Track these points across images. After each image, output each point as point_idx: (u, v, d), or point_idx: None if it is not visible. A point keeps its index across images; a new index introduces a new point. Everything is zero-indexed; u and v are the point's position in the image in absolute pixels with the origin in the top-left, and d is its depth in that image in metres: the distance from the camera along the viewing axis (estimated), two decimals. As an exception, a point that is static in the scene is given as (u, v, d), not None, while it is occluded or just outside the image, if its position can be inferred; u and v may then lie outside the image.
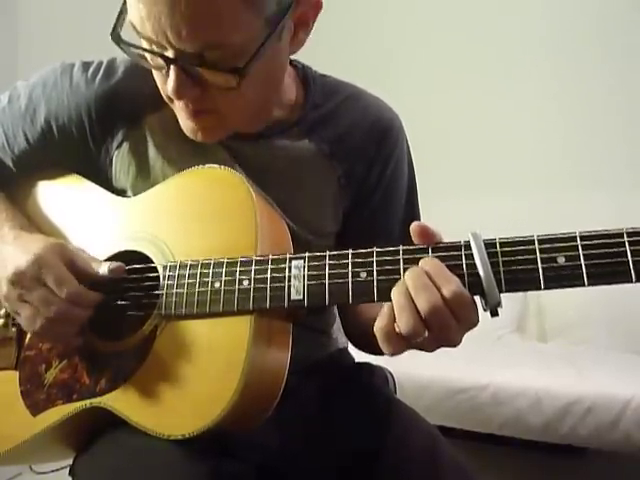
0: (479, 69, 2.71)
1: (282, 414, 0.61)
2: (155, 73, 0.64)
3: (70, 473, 0.70)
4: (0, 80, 1.85)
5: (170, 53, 0.57)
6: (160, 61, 0.59)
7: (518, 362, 1.92)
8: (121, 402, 0.60)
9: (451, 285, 0.49)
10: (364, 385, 0.77)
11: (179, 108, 0.64)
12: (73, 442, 0.68)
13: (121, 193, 0.73)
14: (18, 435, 0.65)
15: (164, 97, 0.66)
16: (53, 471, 1.85)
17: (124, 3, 0.59)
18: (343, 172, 0.75)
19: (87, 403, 0.62)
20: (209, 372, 0.57)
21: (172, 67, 0.58)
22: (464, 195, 2.63)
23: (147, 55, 0.61)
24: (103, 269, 0.63)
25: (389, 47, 2.89)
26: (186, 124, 0.66)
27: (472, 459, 0.66)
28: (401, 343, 0.52)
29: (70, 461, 0.72)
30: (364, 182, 0.76)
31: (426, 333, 0.50)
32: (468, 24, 2.75)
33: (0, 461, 0.68)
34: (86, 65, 0.72)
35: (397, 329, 0.51)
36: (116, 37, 0.60)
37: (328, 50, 2.01)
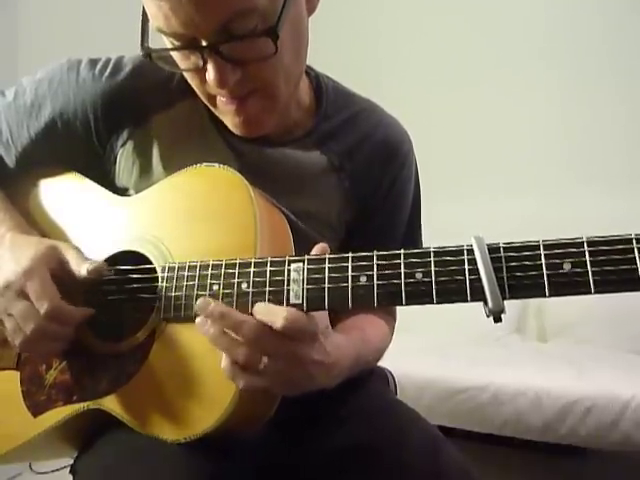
0: (481, 71, 2.71)
1: (281, 414, 0.61)
2: (191, 77, 0.63)
3: (71, 471, 0.70)
4: (0, 80, 1.85)
5: (203, 41, 0.57)
6: (195, 58, 0.59)
7: (518, 362, 1.92)
8: (120, 405, 0.60)
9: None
10: (364, 385, 0.77)
11: (224, 105, 0.64)
12: (74, 442, 0.69)
13: (124, 192, 0.73)
14: (19, 435, 0.65)
15: (205, 100, 0.65)
16: (53, 471, 1.85)
17: (144, 14, 0.59)
18: (350, 185, 0.75)
19: (87, 405, 0.62)
20: (208, 375, 0.57)
21: (209, 56, 0.58)
22: (466, 195, 2.63)
23: (180, 58, 0.61)
24: (82, 271, 0.62)
25: (391, 48, 2.89)
26: (234, 121, 0.65)
27: (472, 459, 0.66)
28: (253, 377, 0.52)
29: (71, 460, 0.72)
30: (369, 198, 0.77)
31: (265, 359, 0.51)
32: (471, 25, 2.74)
33: (1, 460, 0.68)
34: (93, 62, 0.72)
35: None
36: (147, 50, 0.60)
37: (328, 51, 2.01)
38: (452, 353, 2.01)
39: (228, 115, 0.65)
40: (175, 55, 0.61)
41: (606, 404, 1.62)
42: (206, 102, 0.66)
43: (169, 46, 0.60)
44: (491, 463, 1.61)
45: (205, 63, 0.58)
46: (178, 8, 0.54)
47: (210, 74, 0.58)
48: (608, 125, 2.49)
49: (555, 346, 2.25)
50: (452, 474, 0.63)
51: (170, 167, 0.70)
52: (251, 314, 0.53)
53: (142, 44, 0.60)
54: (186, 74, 0.64)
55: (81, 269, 0.62)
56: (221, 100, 0.64)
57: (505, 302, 0.47)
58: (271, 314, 0.51)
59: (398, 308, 0.85)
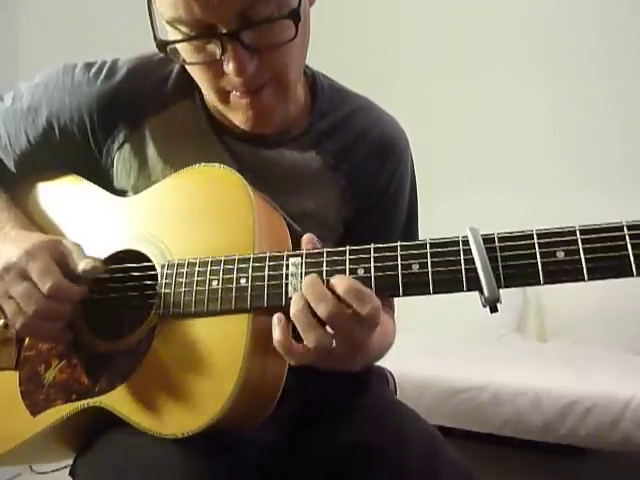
0: (480, 68, 2.71)
1: (282, 413, 0.61)
2: (203, 72, 0.61)
3: (70, 473, 0.70)
4: (0, 80, 1.85)
5: (222, 29, 0.56)
6: (212, 48, 0.58)
7: (518, 362, 1.92)
8: (120, 402, 0.60)
9: (343, 282, 0.51)
10: (364, 385, 0.77)
11: (238, 99, 0.62)
12: (73, 442, 0.68)
13: (122, 194, 0.73)
14: (18, 435, 0.65)
15: (215, 96, 0.64)
16: (53, 471, 1.85)
17: (150, 8, 0.58)
18: (347, 184, 0.75)
19: (86, 403, 0.62)
20: (207, 371, 0.57)
21: (229, 44, 0.56)
22: (464, 194, 2.63)
23: (194, 51, 0.59)
24: (81, 266, 0.62)
25: (390, 45, 2.89)
26: (246, 116, 0.64)
27: (472, 459, 0.66)
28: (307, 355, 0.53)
29: (70, 461, 0.72)
30: (366, 196, 0.77)
31: (334, 343, 0.52)
32: (471, 24, 2.75)
33: (0, 461, 0.68)
34: (88, 65, 0.72)
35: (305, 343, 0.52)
36: (162, 43, 0.59)
37: (327, 51, 2.01)
38: (452, 353, 2.01)
39: (239, 110, 0.64)
40: (187, 49, 0.60)
41: (606, 404, 1.62)
42: (215, 99, 0.64)
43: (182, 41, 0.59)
44: (491, 463, 1.61)
45: (223, 52, 0.57)
46: None
47: (229, 63, 0.57)
48: (606, 125, 2.49)
49: (555, 346, 2.25)
50: (452, 474, 0.63)
51: (167, 169, 0.70)
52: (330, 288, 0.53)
53: (155, 37, 0.59)
54: (196, 70, 0.62)
55: (79, 265, 0.63)
56: (234, 95, 0.62)
57: (501, 293, 0.48)
58: (359, 299, 0.51)
59: (397, 309, 0.85)
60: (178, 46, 0.59)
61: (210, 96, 0.65)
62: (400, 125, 0.81)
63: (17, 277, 0.60)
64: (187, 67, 0.64)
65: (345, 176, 0.75)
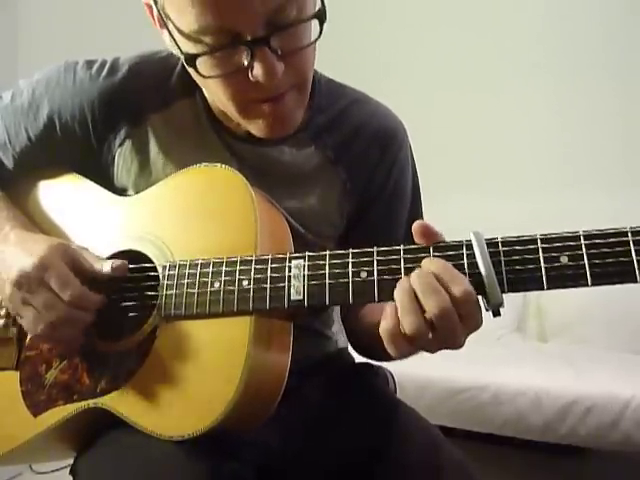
0: (481, 70, 2.71)
1: (283, 414, 0.61)
2: (227, 84, 0.60)
3: (70, 472, 0.70)
4: (0, 80, 1.85)
5: (248, 36, 0.55)
6: (239, 57, 0.57)
7: (518, 362, 1.92)
8: (121, 403, 0.60)
9: (460, 285, 0.49)
10: (364, 385, 0.77)
11: (260, 107, 0.61)
12: (74, 442, 0.68)
13: (122, 191, 0.73)
14: (19, 436, 0.65)
15: (236, 106, 0.62)
16: (53, 471, 1.85)
17: (164, 22, 0.58)
18: (348, 177, 0.75)
19: (87, 404, 0.62)
20: (209, 373, 0.57)
21: (259, 50, 0.55)
22: (466, 195, 2.62)
23: (220, 63, 0.58)
24: (106, 267, 0.63)
25: (391, 45, 2.89)
26: (266, 122, 0.63)
27: (472, 459, 0.66)
28: (406, 344, 0.52)
29: (71, 461, 0.72)
30: (368, 188, 0.76)
31: (430, 335, 0.50)
32: (470, 24, 2.74)
33: (1, 461, 0.68)
34: (90, 63, 0.72)
35: (402, 330, 0.51)
36: (190, 57, 0.57)
37: (328, 55, 2.01)
38: (452, 353, 1.99)
39: (260, 119, 0.63)
40: (211, 63, 0.58)
41: (606, 404, 1.62)
42: (234, 111, 0.63)
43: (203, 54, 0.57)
44: (491, 463, 1.61)
45: (253, 59, 0.56)
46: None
47: (259, 69, 0.56)
48: (607, 126, 2.49)
49: (555, 346, 2.25)
50: (453, 473, 0.63)
51: (168, 167, 0.70)
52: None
53: (181, 51, 0.58)
54: (219, 83, 0.60)
55: (104, 266, 0.63)
56: (258, 103, 0.61)
57: (504, 297, 0.48)
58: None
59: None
60: (202, 60, 0.58)
61: (229, 109, 0.64)
62: (397, 116, 0.81)
63: (36, 286, 0.60)
64: (205, 84, 0.63)
65: (346, 169, 0.75)
